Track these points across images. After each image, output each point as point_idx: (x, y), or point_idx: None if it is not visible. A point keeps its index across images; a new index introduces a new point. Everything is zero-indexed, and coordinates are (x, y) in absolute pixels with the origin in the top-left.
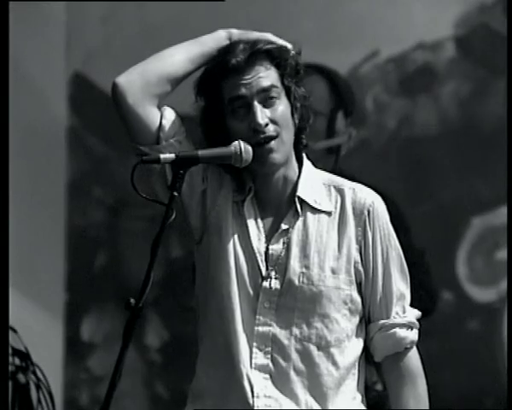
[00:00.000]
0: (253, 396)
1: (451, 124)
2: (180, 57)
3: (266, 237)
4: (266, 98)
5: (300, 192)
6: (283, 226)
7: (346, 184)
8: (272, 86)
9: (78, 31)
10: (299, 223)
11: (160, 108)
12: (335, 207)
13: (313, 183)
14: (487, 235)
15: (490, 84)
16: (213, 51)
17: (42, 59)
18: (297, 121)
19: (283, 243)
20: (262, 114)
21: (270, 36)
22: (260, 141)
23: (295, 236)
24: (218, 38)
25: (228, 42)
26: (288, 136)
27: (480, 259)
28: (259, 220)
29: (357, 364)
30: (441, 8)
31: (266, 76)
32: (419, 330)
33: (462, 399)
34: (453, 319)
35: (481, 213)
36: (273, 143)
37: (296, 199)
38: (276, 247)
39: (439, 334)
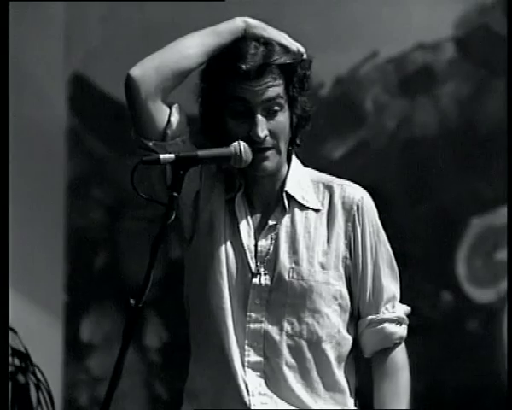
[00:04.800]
0: (248, 395)
1: (451, 124)
2: (196, 51)
3: (255, 233)
4: (269, 108)
5: (288, 188)
6: (270, 222)
7: (335, 181)
8: (278, 97)
9: (78, 31)
10: (287, 219)
11: (167, 104)
12: (323, 204)
13: (301, 180)
14: (487, 235)
15: (489, 85)
16: (229, 43)
17: (42, 59)
18: (294, 127)
19: (271, 239)
20: (262, 127)
21: (284, 38)
22: (256, 149)
23: (283, 232)
24: (235, 31)
25: (243, 33)
26: (284, 146)
27: (479, 259)
28: (249, 216)
29: (349, 360)
30: (441, 9)
31: (274, 86)
32: (409, 325)
33: (461, 399)
34: (453, 319)
35: (481, 213)
36: (268, 152)
37: (284, 194)
38: (265, 243)
39: (439, 334)
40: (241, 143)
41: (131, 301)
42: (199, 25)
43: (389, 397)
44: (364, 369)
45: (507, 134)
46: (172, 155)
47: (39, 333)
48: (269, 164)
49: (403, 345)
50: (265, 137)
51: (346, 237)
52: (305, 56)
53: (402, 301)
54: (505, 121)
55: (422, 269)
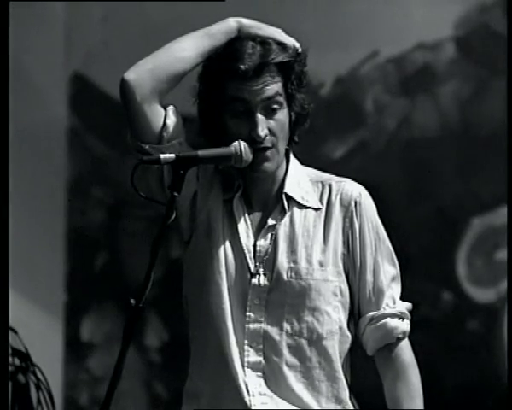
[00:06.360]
0: (248, 395)
1: (451, 124)
2: (191, 53)
3: (254, 233)
4: (269, 107)
5: (287, 189)
6: (270, 222)
7: (333, 179)
8: (277, 94)
9: (78, 31)
10: (286, 219)
11: (163, 105)
12: (322, 203)
13: (300, 179)
14: (487, 235)
15: (490, 85)
16: (223, 44)
17: (42, 59)
18: (293, 125)
19: (270, 238)
20: (262, 126)
21: (279, 34)
22: (256, 149)
23: (282, 231)
24: (228, 31)
25: (237, 33)
26: (284, 145)
27: (479, 259)
28: (247, 216)
29: (347, 358)
30: (441, 9)
31: (272, 85)
32: (412, 321)
33: (461, 399)
34: (453, 319)
35: (481, 213)
36: (268, 152)
37: (283, 196)
38: (264, 243)
39: (439, 334)
40: (242, 142)
41: (132, 300)
42: (199, 25)
43: (403, 399)
44: (360, 367)
45: (507, 134)
46: (173, 155)
47: (39, 333)
48: (269, 164)
49: (407, 342)
50: (265, 136)
51: (344, 233)
52: (300, 50)
53: (402, 301)
54: (505, 121)
55: (422, 269)
